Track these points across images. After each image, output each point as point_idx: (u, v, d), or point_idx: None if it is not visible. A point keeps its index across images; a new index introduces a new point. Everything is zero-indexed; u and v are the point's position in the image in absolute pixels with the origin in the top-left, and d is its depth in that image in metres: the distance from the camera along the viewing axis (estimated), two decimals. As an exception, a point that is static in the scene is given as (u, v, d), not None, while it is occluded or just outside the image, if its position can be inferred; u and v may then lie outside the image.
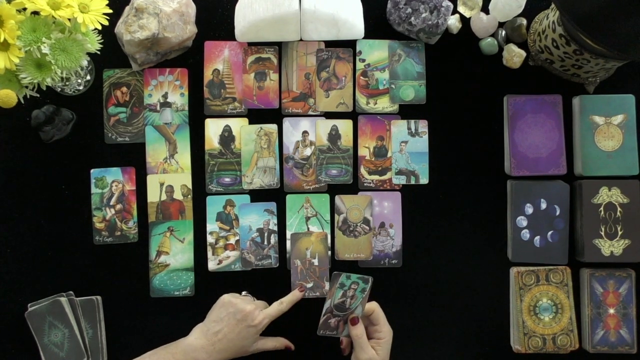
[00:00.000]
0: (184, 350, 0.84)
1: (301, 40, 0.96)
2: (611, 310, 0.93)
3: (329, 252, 0.96)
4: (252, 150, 0.97)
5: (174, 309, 0.95)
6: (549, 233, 0.94)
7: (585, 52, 0.86)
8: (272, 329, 0.90)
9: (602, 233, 0.93)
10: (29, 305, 0.92)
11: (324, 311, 0.88)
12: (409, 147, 0.97)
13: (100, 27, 0.82)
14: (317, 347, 0.95)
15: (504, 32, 0.97)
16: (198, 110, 0.97)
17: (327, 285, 0.94)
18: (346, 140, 0.97)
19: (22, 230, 0.94)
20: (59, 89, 0.94)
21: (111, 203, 0.95)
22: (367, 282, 0.87)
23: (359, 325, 0.86)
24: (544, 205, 0.95)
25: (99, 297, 0.93)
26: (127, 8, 0.92)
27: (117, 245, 0.95)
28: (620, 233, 0.93)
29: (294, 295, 0.90)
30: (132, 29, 0.88)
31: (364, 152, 0.97)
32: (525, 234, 0.95)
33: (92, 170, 0.95)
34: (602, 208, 0.93)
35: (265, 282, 0.95)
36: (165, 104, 0.96)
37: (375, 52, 0.98)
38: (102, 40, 0.87)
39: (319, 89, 0.97)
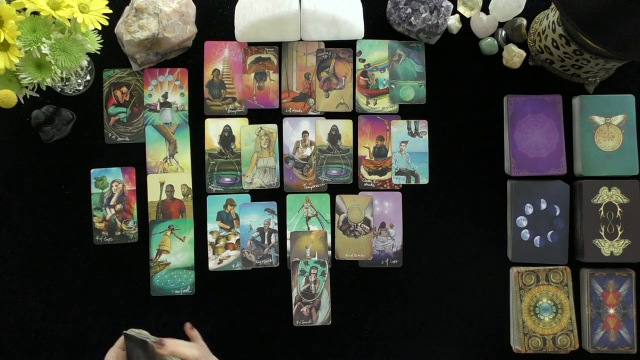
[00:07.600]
0: None
1: (301, 40, 0.96)
2: (611, 311, 0.93)
3: (329, 251, 0.96)
4: (252, 150, 0.97)
5: (174, 307, 0.95)
6: (549, 233, 0.94)
7: (585, 52, 0.86)
8: (256, 323, 0.91)
9: (602, 233, 0.93)
10: (130, 330, 0.83)
11: (293, 301, 0.92)
12: (409, 147, 0.97)
13: (100, 27, 0.82)
14: (299, 340, 0.95)
15: (504, 32, 0.97)
16: (198, 110, 0.97)
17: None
18: (346, 140, 0.97)
19: (22, 230, 0.94)
20: (59, 89, 0.94)
21: (111, 203, 0.95)
22: (324, 265, 0.90)
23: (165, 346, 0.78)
24: (544, 206, 0.95)
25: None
26: (127, 8, 0.92)
27: (117, 245, 0.95)
28: (620, 233, 0.93)
29: None
30: (132, 29, 0.88)
31: (364, 152, 0.97)
32: (525, 234, 0.95)
33: (92, 170, 0.95)
34: (602, 208, 0.93)
35: (265, 281, 0.96)
36: (165, 104, 0.96)
37: (375, 52, 0.98)
38: (102, 40, 0.88)
39: (319, 89, 0.97)
